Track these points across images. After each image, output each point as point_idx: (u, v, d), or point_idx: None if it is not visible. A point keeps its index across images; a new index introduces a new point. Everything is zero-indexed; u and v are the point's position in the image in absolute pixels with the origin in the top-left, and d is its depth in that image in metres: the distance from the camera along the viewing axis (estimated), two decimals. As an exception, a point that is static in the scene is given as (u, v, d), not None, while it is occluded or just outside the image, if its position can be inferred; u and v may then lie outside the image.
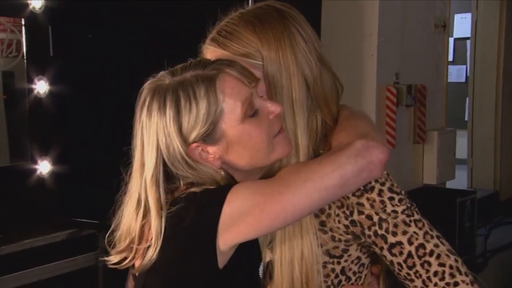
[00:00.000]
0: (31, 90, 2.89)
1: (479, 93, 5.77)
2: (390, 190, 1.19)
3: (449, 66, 5.03)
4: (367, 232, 1.18)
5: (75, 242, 2.72)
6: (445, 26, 4.59)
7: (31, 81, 2.88)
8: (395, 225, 1.17)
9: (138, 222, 1.13)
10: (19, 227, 2.69)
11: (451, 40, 5.78)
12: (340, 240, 1.22)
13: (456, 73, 7.18)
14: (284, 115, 1.20)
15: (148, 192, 1.12)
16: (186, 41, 3.61)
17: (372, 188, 1.18)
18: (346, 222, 1.20)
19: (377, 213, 1.17)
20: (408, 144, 4.36)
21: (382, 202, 1.17)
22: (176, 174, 1.13)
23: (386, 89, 4.08)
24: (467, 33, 6.08)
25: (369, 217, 1.18)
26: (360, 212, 1.18)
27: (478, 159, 5.74)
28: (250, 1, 3.43)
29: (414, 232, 1.16)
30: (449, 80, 4.89)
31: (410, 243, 1.16)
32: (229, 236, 1.07)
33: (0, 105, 2.95)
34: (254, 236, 1.13)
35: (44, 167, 2.92)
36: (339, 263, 1.23)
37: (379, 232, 1.17)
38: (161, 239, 1.09)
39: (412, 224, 1.17)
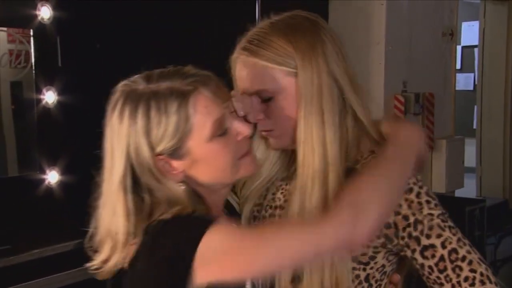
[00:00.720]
0: (40, 100, 2.90)
1: (488, 101, 5.74)
2: (427, 194, 1.21)
3: (457, 74, 5.01)
4: (401, 233, 1.19)
5: (84, 252, 2.72)
6: (453, 34, 4.58)
7: (39, 91, 2.89)
8: (430, 228, 1.18)
9: (112, 226, 1.11)
10: (28, 237, 2.69)
11: (458, 48, 5.77)
12: (369, 246, 1.22)
13: (464, 81, 7.16)
14: (313, 124, 1.22)
15: (116, 197, 1.11)
16: (195, 48, 3.62)
17: (411, 190, 1.19)
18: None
19: (413, 214, 1.19)
20: (416, 152, 4.34)
21: (420, 203, 1.19)
22: (143, 183, 1.12)
23: (394, 97, 4.07)
24: (475, 41, 6.06)
25: (406, 218, 1.19)
26: (397, 213, 1.19)
27: (487, 167, 5.71)
28: (256, 6, 3.44)
29: (448, 237, 1.18)
30: (457, 88, 4.87)
31: (444, 246, 1.17)
32: (202, 274, 1.04)
33: (9, 115, 2.96)
34: (224, 281, 1.08)
35: (52, 177, 2.93)
36: (365, 269, 1.24)
37: (413, 233, 1.18)
38: (134, 252, 1.07)
39: (447, 229, 1.18)
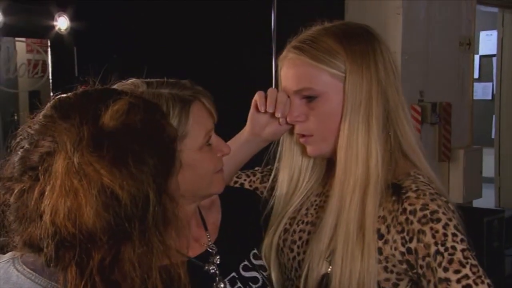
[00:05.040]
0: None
1: (506, 110, 5.69)
2: (455, 227, 1.16)
3: (475, 84, 4.98)
4: (420, 262, 1.16)
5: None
6: (470, 44, 4.55)
7: (56, 101, 2.92)
8: (450, 261, 1.13)
9: None
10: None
11: (476, 57, 5.73)
12: (392, 272, 1.19)
13: (482, 91, 7.10)
14: (359, 130, 1.21)
15: None
16: (213, 53, 3.61)
17: (439, 220, 1.15)
18: (403, 249, 1.17)
19: (436, 244, 1.14)
20: (433, 162, 4.31)
21: (445, 235, 1.14)
22: None
23: (410, 107, 4.04)
24: (493, 50, 6.02)
25: (427, 246, 1.15)
26: (420, 240, 1.15)
27: (506, 178, 5.64)
28: (273, 10, 3.44)
29: (466, 274, 1.12)
30: (475, 98, 4.83)
31: (458, 281, 1.12)
32: None
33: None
34: None
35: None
36: None
37: (432, 264, 1.14)
38: None
39: (468, 266, 1.12)
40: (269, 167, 1.49)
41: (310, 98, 1.25)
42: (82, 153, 0.80)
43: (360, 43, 1.24)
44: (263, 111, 1.33)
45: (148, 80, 1.20)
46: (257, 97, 1.35)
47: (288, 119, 1.30)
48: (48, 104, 0.91)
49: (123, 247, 0.81)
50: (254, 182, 1.49)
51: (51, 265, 0.82)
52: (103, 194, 0.79)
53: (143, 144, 0.84)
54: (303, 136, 1.30)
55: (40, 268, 0.86)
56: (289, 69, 1.27)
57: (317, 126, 1.26)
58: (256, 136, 1.39)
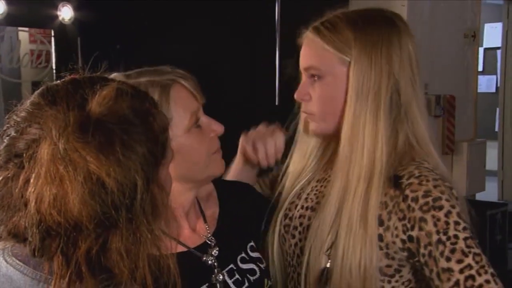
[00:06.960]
0: (60, 100, 2.92)
1: (510, 104, 5.68)
2: (458, 215, 1.14)
3: (479, 76, 4.96)
4: (422, 250, 1.14)
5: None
6: (475, 36, 4.53)
7: (60, 91, 2.92)
8: (452, 251, 1.11)
9: None
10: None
11: (481, 50, 5.70)
12: (393, 258, 1.19)
13: (486, 83, 7.09)
14: (367, 120, 1.20)
15: None
16: (215, 49, 3.60)
17: (441, 207, 1.13)
18: (404, 237, 1.16)
19: (438, 233, 1.12)
20: (437, 155, 4.30)
21: (447, 223, 1.12)
22: None
23: (414, 99, 4.03)
24: (498, 43, 6.00)
25: (429, 235, 1.13)
26: (421, 228, 1.14)
27: (509, 171, 5.64)
28: (276, 6, 3.43)
29: (469, 264, 1.10)
30: (479, 90, 4.82)
31: (461, 272, 1.10)
32: None
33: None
34: None
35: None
36: (389, 282, 1.21)
37: (434, 253, 1.13)
38: None
39: (470, 256, 1.11)
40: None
41: (315, 78, 1.27)
42: (68, 139, 0.78)
43: (374, 32, 1.23)
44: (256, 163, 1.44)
45: (128, 72, 1.18)
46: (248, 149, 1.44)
47: (295, 96, 1.32)
48: (36, 92, 0.89)
49: (110, 236, 0.80)
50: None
51: (37, 255, 0.81)
52: (89, 181, 0.77)
53: (132, 131, 0.82)
54: (307, 113, 1.32)
55: (28, 259, 0.85)
56: (305, 47, 1.30)
57: (318, 107, 1.28)
58: (252, 166, 1.48)
